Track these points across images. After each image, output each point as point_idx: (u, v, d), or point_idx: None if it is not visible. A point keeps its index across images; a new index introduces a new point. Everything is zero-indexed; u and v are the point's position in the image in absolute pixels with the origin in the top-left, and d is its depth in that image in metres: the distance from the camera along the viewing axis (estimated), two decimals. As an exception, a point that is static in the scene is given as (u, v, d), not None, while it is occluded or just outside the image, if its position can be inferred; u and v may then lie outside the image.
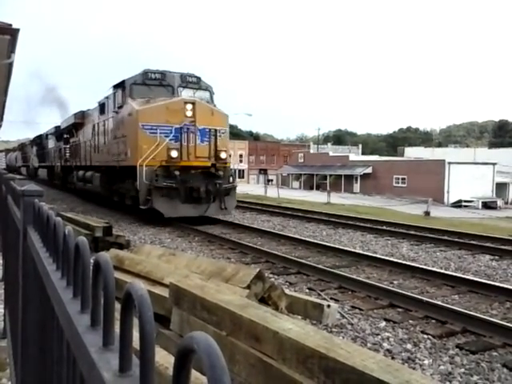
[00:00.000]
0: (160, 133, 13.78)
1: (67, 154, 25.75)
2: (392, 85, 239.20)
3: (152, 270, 5.98)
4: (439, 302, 6.28)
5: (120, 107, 15.46)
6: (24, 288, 2.43)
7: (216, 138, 14.45)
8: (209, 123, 14.43)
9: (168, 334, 4.32)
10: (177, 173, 13.50)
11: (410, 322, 5.74)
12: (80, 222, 10.76)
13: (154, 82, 14.93)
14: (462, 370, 4.43)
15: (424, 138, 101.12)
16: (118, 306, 0.79)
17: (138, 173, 13.23)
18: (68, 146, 25.72)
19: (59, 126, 28.36)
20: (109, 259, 0.91)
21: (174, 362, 0.60)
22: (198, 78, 15.72)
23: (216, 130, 14.51)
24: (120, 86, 15.44)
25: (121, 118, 15.38)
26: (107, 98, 17.29)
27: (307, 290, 7.06)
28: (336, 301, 6.45)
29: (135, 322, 0.75)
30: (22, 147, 52.16)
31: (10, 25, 8.01)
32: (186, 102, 14.12)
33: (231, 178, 14.82)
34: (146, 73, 15.00)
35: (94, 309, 0.95)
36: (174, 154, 13.59)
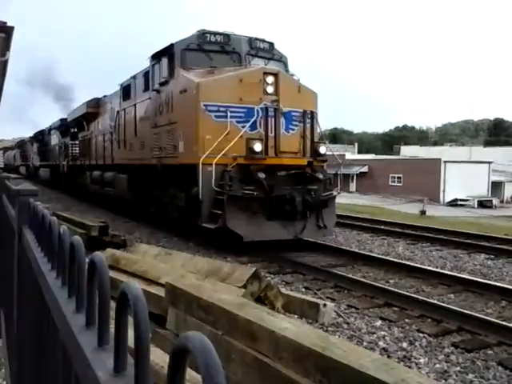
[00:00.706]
0: (231, 117, 9.70)
1: (75, 151, 22.03)
2: (387, 83, 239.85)
3: (148, 270, 5.98)
4: (435, 301, 6.30)
5: (164, 83, 11.22)
6: (19, 288, 2.42)
7: (313, 125, 10.39)
8: (295, 104, 10.32)
9: (164, 334, 4.32)
10: (262, 175, 9.23)
11: (406, 320, 5.76)
12: (76, 222, 10.73)
13: (214, 48, 10.90)
14: (458, 368, 4.44)
15: (420, 137, 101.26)
16: (113, 305, 0.79)
17: (201, 174, 9.17)
18: (77, 142, 21.97)
19: (65, 119, 24.35)
20: (104, 259, 0.91)
21: (169, 362, 0.60)
22: (271, 45, 11.70)
23: (313, 113, 10.41)
24: (165, 52, 11.14)
25: (166, 99, 11.19)
26: (134, 77, 13.56)
27: (303, 289, 7.06)
28: (332, 300, 6.45)
29: (130, 321, 0.75)
30: (20, 145, 48.73)
31: (5, 23, 8.00)
32: (266, 73, 9.95)
33: (329, 183, 10.44)
34: (203, 34, 10.91)
35: (89, 308, 0.95)
36: (258, 147, 9.38)
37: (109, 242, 9.49)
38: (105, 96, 17.70)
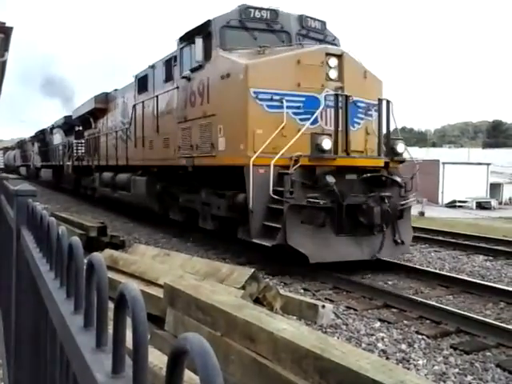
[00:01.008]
0: (288, 107, 8.04)
1: (81, 151, 20.56)
2: (387, 85, 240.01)
3: (146, 271, 5.98)
4: (433, 303, 6.29)
5: (197, 68, 9.55)
6: (17, 288, 2.41)
7: (389, 118, 8.57)
8: (361, 93, 8.65)
9: (162, 335, 4.31)
10: (331, 179, 7.48)
11: (405, 322, 5.75)
12: (74, 222, 10.73)
13: (259, 25, 9.27)
14: (456, 370, 4.44)
15: (418, 138, 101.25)
16: (112, 306, 0.79)
17: (251, 178, 7.52)
18: (82, 141, 20.57)
19: (69, 117, 22.82)
20: (102, 259, 0.91)
21: (167, 363, 0.60)
22: (324, 24, 10.06)
23: (389, 103, 8.56)
24: (200, 31, 9.43)
25: (200, 87, 9.50)
26: (153, 67, 12.08)
27: (302, 291, 7.06)
28: (331, 301, 6.45)
29: (129, 322, 0.75)
30: (21, 145, 47.51)
31: (4, 23, 8.00)
32: (328, 54, 8.27)
33: (403, 189, 8.38)
34: (246, 9, 9.24)
35: (87, 310, 0.95)
36: (327, 144, 7.60)
37: (107, 243, 9.50)
38: (115, 90, 16.28)
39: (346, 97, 8.09)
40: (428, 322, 5.79)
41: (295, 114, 8.10)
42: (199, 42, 9.13)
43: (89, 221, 11.17)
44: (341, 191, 7.58)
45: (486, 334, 5.26)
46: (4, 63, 9.93)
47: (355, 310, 6.17)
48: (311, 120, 7.95)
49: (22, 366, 2.22)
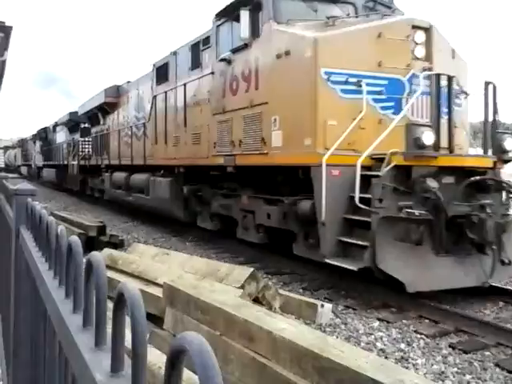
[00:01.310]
0: (367, 92, 6.51)
1: (88, 149, 19.24)
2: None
3: (146, 270, 5.98)
4: (432, 302, 6.29)
5: (240, 48, 8.01)
6: (16, 288, 2.41)
7: (496, 108, 6.79)
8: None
9: (161, 334, 4.31)
10: (433, 184, 5.86)
11: (404, 321, 5.75)
12: (73, 222, 10.72)
13: None
14: (455, 369, 4.44)
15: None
16: (110, 305, 0.79)
17: (324, 182, 6.06)
18: (89, 139, 19.19)
19: (75, 113, 21.24)
20: (101, 259, 0.91)
21: (166, 362, 0.60)
22: None
23: (495, 88, 6.73)
24: (246, 3, 7.78)
25: (245, 70, 7.91)
26: (175, 54, 10.82)
27: (301, 290, 7.06)
28: (330, 300, 6.45)
29: (128, 321, 0.75)
30: (22, 143, 47.14)
31: (3, 22, 7.99)
32: (414, 27, 6.77)
33: (506, 194, 6.72)
34: None
35: (86, 309, 0.95)
36: (429, 138, 6.04)
37: (107, 242, 9.49)
38: (128, 82, 15.00)
39: (449, 78, 6.58)
40: (427, 321, 5.79)
41: (375, 100, 6.65)
42: (245, 15, 7.54)
43: (88, 220, 11.17)
44: (444, 198, 5.96)
45: (484, 333, 5.26)
46: (4, 62, 9.92)
47: (354, 309, 6.17)
48: (407, 107, 6.51)
49: (21, 366, 2.22)
